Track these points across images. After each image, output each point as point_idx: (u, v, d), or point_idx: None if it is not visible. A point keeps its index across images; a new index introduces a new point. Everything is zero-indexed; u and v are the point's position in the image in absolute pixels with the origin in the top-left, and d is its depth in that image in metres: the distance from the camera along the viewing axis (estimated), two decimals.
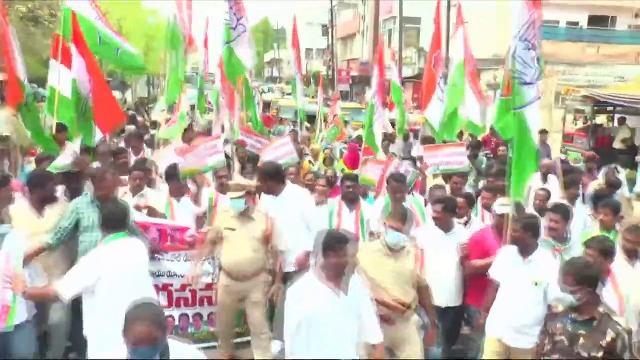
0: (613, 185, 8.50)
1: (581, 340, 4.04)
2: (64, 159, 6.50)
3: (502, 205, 6.22)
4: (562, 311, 4.27)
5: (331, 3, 42.21)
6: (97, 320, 4.74)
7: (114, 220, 4.94)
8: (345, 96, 37.04)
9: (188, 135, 10.83)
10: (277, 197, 6.43)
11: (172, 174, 7.18)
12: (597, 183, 9.00)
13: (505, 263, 5.32)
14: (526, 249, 5.17)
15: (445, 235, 6.06)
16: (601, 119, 18.20)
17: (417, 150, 12.10)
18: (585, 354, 4.01)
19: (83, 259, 4.95)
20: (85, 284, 4.67)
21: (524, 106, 5.76)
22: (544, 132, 10.03)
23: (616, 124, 16.88)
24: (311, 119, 16.34)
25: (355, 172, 8.78)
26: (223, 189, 7.28)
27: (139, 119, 18.38)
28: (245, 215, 5.93)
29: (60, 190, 6.25)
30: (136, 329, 3.01)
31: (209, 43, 15.37)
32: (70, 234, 5.57)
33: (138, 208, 6.49)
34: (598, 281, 4.18)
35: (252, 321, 6.07)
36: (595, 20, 29.13)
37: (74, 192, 6.24)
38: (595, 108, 16.00)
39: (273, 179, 6.43)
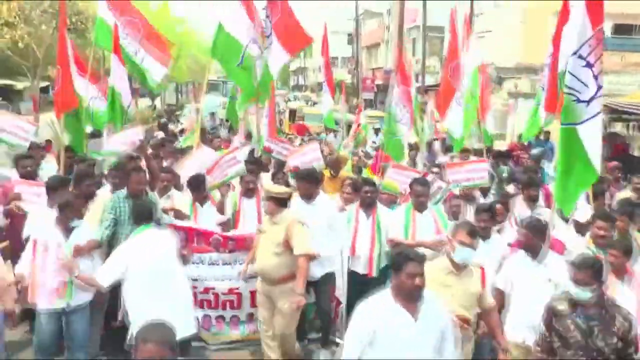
0: None
1: (596, 332, 4.14)
2: (116, 145, 7.03)
3: (538, 215, 6.26)
4: (563, 309, 4.28)
5: (356, 12, 42.43)
6: (132, 304, 5.32)
7: (142, 214, 5.56)
8: (369, 104, 37.16)
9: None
10: (309, 203, 6.46)
11: (195, 185, 7.24)
12: (624, 193, 8.84)
13: (514, 269, 5.32)
14: (534, 251, 5.22)
15: (483, 244, 5.74)
16: (618, 127, 18.08)
17: (442, 158, 12.24)
18: (602, 344, 4.12)
19: (114, 250, 5.50)
20: (117, 273, 5.24)
21: (576, 123, 5.59)
22: None
23: (631, 131, 16.81)
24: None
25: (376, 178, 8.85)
26: (249, 193, 7.47)
27: (171, 126, 18.70)
28: (272, 220, 6.01)
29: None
30: (146, 349, 2.96)
31: None
32: (115, 227, 5.99)
33: (165, 211, 6.63)
34: (602, 274, 4.37)
35: (276, 327, 6.08)
36: (620, 29, 28.87)
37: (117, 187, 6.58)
38: (612, 116, 15.91)
39: (309, 182, 6.51)
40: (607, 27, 29.01)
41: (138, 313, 5.17)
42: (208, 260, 6.62)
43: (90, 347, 5.90)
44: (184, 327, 5.31)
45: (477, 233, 4.75)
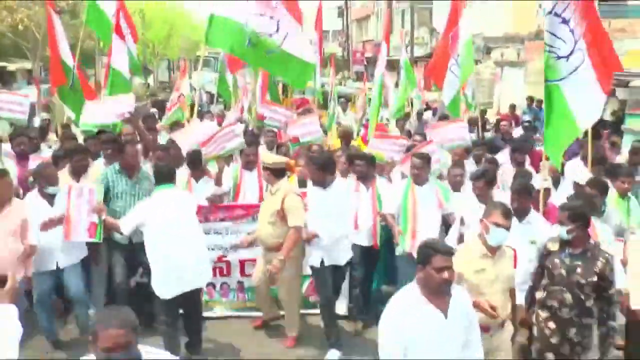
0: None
1: (578, 270, 4.51)
2: (107, 117, 7.15)
3: (544, 180, 6.36)
4: (556, 249, 4.63)
5: None
6: (153, 252, 5.64)
7: (162, 174, 5.85)
8: (359, 77, 37.15)
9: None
10: (324, 189, 6.05)
11: (193, 160, 7.30)
12: (621, 158, 8.92)
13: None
14: (521, 212, 5.27)
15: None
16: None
17: None
18: (582, 281, 4.48)
19: (138, 203, 5.94)
20: (136, 221, 5.66)
21: (558, 80, 5.75)
22: None
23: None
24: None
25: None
26: (249, 165, 7.50)
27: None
28: (270, 191, 6.13)
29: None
30: (109, 333, 2.78)
31: None
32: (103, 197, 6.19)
33: None
34: (589, 219, 4.63)
35: (281, 296, 6.36)
36: None
37: (110, 159, 6.72)
38: None
39: (323, 169, 6.02)
40: None
41: (158, 260, 5.60)
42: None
43: (92, 303, 6.34)
44: (201, 275, 5.88)
45: (511, 213, 4.53)
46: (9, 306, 3.20)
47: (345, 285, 6.78)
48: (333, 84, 14.71)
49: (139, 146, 6.89)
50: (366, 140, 11.05)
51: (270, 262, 5.95)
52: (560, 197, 6.39)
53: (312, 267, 6.23)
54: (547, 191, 6.43)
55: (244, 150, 7.72)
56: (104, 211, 5.97)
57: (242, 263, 6.93)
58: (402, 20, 32.88)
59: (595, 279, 4.48)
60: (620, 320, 5.02)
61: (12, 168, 6.97)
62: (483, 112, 11.98)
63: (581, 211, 4.62)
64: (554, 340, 4.57)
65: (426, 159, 6.54)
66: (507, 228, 4.35)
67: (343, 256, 6.20)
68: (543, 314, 4.65)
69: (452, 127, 8.74)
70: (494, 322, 4.32)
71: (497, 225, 4.32)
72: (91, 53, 28.07)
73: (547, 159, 6.76)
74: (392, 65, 16.88)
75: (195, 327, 6.11)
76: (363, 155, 7.25)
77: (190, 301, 5.92)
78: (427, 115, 15.00)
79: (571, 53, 5.64)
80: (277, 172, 6.05)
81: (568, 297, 4.52)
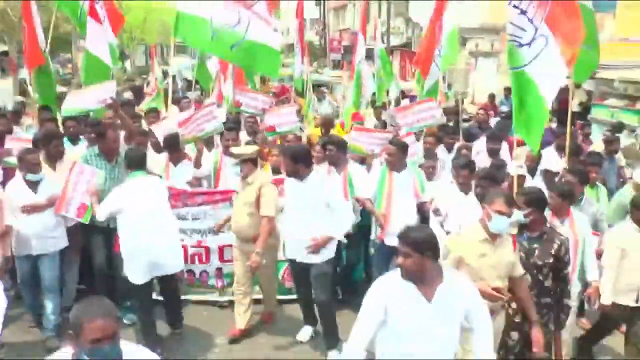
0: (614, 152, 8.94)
1: (536, 252, 4.76)
2: (88, 103, 7.19)
3: (518, 167, 6.33)
4: (514, 233, 4.77)
5: None
6: (126, 239, 5.75)
7: (135, 160, 5.88)
8: (336, 65, 37.16)
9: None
10: (301, 181, 5.83)
11: (171, 143, 7.31)
12: (595, 147, 9.23)
13: (468, 216, 5.44)
14: (467, 186, 5.67)
15: (465, 197, 6.05)
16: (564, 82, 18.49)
17: None
18: (540, 262, 4.73)
19: (113, 190, 5.90)
20: (112, 209, 5.72)
21: (521, 66, 5.81)
22: None
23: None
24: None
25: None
26: (228, 150, 7.26)
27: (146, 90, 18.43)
28: (244, 180, 6.05)
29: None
30: (97, 324, 2.72)
31: None
32: None
33: None
34: (545, 204, 4.97)
35: (263, 282, 6.46)
36: None
37: (93, 143, 6.82)
38: None
39: (300, 162, 5.79)
40: None
41: (131, 246, 5.71)
42: (176, 215, 6.60)
43: (63, 296, 6.34)
44: (174, 261, 5.97)
45: (513, 201, 4.60)
46: None
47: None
48: (308, 73, 14.64)
49: (122, 132, 6.86)
50: (343, 126, 11.15)
51: (245, 253, 5.98)
52: (535, 185, 6.50)
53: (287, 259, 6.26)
54: (521, 178, 6.53)
55: (224, 135, 7.67)
56: (97, 197, 6.01)
57: (220, 249, 6.96)
58: (379, 10, 32.93)
59: (551, 260, 4.73)
60: (574, 300, 5.41)
61: None
62: (458, 102, 12.08)
63: (537, 196, 4.88)
64: (517, 319, 4.72)
65: (400, 145, 6.54)
66: (509, 215, 4.40)
67: (315, 257, 5.84)
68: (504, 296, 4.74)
69: (419, 107, 8.68)
70: (497, 305, 4.41)
71: (500, 213, 4.34)
72: (67, 37, 27.64)
73: (519, 145, 6.90)
74: (368, 54, 16.96)
75: (174, 308, 6.29)
76: (334, 140, 7.19)
77: (167, 286, 6.11)
78: (405, 104, 14.97)
79: (533, 40, 5.73)
80: (250, 162, 6.02)
81: (527, 278, 4.71)
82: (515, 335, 4.74)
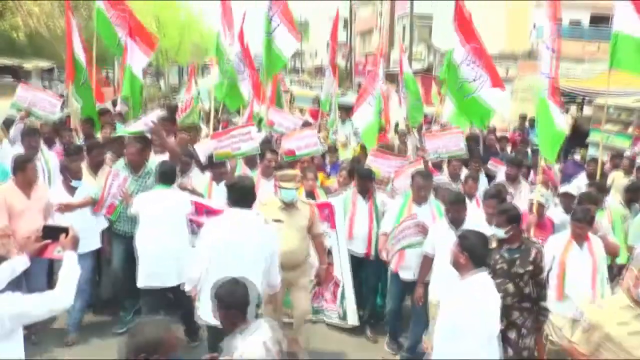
0: None
1: (517, 262, 5.06)
2: (140, 126, 7.37)
3: (542, 196, 6.56)
4: (495, 247, 5.14)
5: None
6: (141, 246, 5.93)
7: (165, 173, 6.08)
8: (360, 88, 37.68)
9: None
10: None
11: (211, 161, 7.40)
12: (618, 173, 9.30)
13: (437, 236, 5.68)
14: (458, 221, 5.59)
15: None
16: (572, 109, 18.93)
17: None
18: (521, 271, 5.03)
19: (138, 195, 6.25)
20: (133, 213, 6.05)
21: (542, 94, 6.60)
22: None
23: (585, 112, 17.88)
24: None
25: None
26: (268, 171, 7.26)
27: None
28: (291, 205, 5.72)
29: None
30: (172, 340, 2.98)
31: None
32: None
33: (183, 187, 6.78)
34: (520, 219, 5.30)
35: (298, 305, 5.97)
36: (597, 20, 29.41)
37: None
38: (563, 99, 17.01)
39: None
40: (585, 17, 29.62)
41: (139, 252, 5.92)
42: None
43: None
44: (177, 276, 5.85)
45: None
46: (71, 253, 3.68)
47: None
48: (334, 95, 14.75)
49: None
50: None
51: (287, 280, 5.66)
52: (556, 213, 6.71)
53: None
54: (541, 207, 6.57)
55: (265, 155, 7.53)
56: (129, 199, 6.28)
57: None
58: (403, 35, 33.53)
59: (531, 267, 5.05)
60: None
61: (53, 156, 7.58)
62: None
63: (515, 213, 5.20)
64: (501, 325, 4.63)
65: (430, 177, 6.48)
66: None
67: None
68: None
69: (448, 136, 8.63)
70: None
71: None
72: (109, 53, 28.67)
73: (542, 172, 7.15)
74: (392, 78, 17.21)
75: (187, 321, 6.00)
76: (367, 172, 7.06)
77: (177, 298, 5.96)
78: (435, 129, 14.85)
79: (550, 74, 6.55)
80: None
81: (510, 286, 5.01)
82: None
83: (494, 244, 5.12)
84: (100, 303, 6.95)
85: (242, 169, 7.68)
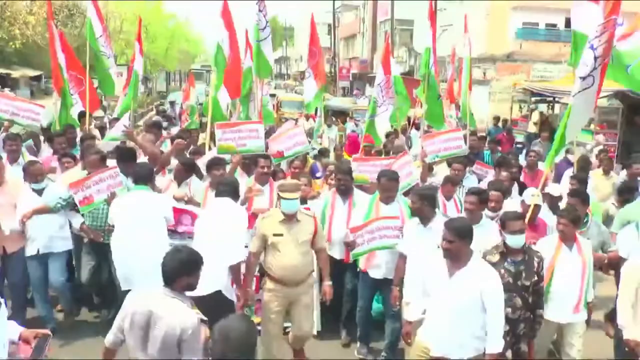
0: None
1: (523, 274, 4.78)
2: (115, 131, 7.54)
3: (532, 196, 6.21)
4: (497, 260, 4.78)
5: (333, 5, 43.07)
6: (116, 250, 5.71)
7: (140, 174, 5.82)
8: (345, 92, 38.02)
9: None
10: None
11: (210, 166, 6.86)
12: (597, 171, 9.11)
13: (409, 235, 5.43)
14: (426, 218, 5.30)
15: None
16: (542, 107, 19.43)
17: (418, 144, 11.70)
18: (527, 283, 4.79)
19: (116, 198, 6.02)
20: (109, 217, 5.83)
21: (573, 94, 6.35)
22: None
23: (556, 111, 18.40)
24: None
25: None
26: (263, 178, 6.73)
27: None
28: (292, 218, 5.30)
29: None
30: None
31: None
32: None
33: (178, 199, 6.52)
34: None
35: (300, 324, 5.53)
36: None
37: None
38: (534, 98, 17.78)
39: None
40: (560, 20, 30.14)
41: (115, 254, 5.71)
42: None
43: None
44: (148, 279, 5.40)
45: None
46: None
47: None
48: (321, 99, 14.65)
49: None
50: (349, 152, 11.33)
51: (294, 296, 5.43)
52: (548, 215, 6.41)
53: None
54: (537, 207, 6.28)
55: (259, 162, 6.86)
56: (111, 198, 6.06)
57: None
58: (386, 40, 33.93)
59: (535, 278, 4.81)
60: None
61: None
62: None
63: (524, 218, 5.12)
64: (508, 339, 4.67)
65: (395, 179, 6.11)
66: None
67: None
68: None
69: (446, 136, 8.34)
70: None
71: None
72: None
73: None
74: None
75: None
76: (346, 169, 6.85)
77: None
78: (413, 133, 14.65)
79: (587, 75, 6.17)
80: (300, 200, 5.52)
81: (518, 301, 4.76)
82: (509, 354, 4.87)
83: (496, 258, 4.84)
84: (92, 301, 6.97)
85: (239, 175, 7.23)
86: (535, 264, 4.85)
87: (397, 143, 11.00)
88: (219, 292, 5.16)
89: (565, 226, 5.12)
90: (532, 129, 16.82)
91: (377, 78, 9.96)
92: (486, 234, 5.24)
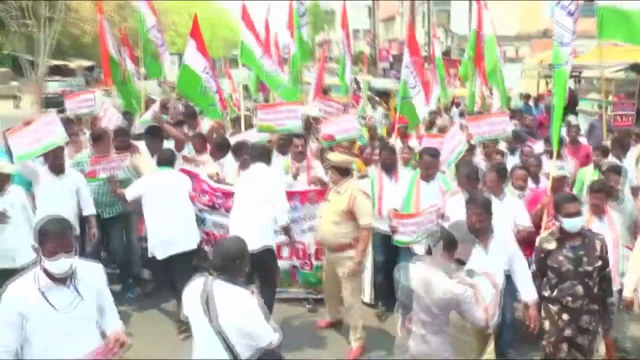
0: None
1: (584, 259, 4.41)
2: (146, 115, 7.95)
3: (560, 169, 6.21)
4: (553, 247, 4.52)
5: None
6: (149, 217, 6.21)
7: (164, 157, 6.45)
8: (385, 73, 38.26)
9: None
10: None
11: (237, 150, 7.05)
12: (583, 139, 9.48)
13: (452, 210, 5.30)
14: (501, 192, 5.46)
15: (498, 202, 5.29)
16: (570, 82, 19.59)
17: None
18: (589, 268, 4.40)
19: (141, 177, 6.53)
20: (137, 193, 6.25)
21: (561, 65, 6.02)
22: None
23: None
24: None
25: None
26: (298, 157, 7.02)
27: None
28: (336, 190, 5.74)
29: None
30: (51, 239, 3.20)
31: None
32: None
33: (210, 175, 6.97)
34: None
35: (343, 295, 5.88)
36: None
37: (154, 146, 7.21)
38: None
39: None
40: None
41: (151, 226, 6.17)
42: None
43: None
44: (188, 241, 6.22)
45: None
46: None
47: (369, 273, 6.64)
48: (363, 81, 14.87)
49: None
50: (392, 131, 11.32)
51: (333, 263, 5.82)
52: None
53: None
54: (561, 179, 6.24)
55: (294, 141, 7.12)
56: (115, 184, 6.55)
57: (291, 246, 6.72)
58: (423, 21, 33.97)
59: (600, 263, 4.44)
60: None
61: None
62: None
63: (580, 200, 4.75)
64: (568, 331, 4.48)
65: (436, 156, 6.26)
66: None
67: None
68: (554, 308, 4.52)
69: (492, 119, 8.14)
70: None
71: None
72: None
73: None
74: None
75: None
76: (392, 147, 7.16)
77: (180, 266, 6.10)
78: (453, 111, 15.26)
79: (569, 43, 5.97)
80: (343, 171, 5.76)
81: (579, 289, 4.41)
82: (564, 346, 4.52)
83: (553, 244, 4.54)
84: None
85: (274, 155, 7.15)
86: (598, 247, 4.47)
87: (441, 123, 11.36)
88: (268, 249, 5.71)
89: (599, 199, 5.16)
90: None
91: (404, 60, 9.78)
92: (508, 210, 5.37)
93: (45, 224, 3.22)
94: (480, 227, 4.37)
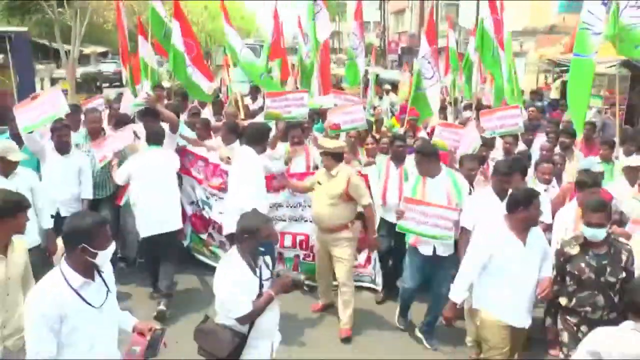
0: None
1: (607, 269, 4.16)
2: (139, 98, 7.87)
3: (597, 164, 6.25)
4: (577, 253, 4.29)
5: None
6: (136, 198, 6.31)
7: (153, 135, 6.47)
8: (393, 65, 38.45)
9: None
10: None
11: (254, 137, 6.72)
12: None
13: (475, 208, 5.28)
14: (504, 193, 5.07)
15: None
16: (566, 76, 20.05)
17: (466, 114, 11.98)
18: (613, 279, 4.14)
19: (129, 158, 6.61)
20: (127, 174, 6.32)
21: (589, 55, 5.93)
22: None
23: None
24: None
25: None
26: (296, 147, 7.27)
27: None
28: (329, 173, 5.88)
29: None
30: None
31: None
32: None
33: (221, 158, 7.09)
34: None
35: (337, 274, 6.05)
36: None
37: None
38: (559, 69, 18.41)
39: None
40: None
41: (139, 204, 6.29)
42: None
43: None
44: (173, 222, 6.42)
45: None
46: None
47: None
48: (371, 72, 14.50)
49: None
50: (399, 120, 11.33)
51: (327, 243, 5.97)
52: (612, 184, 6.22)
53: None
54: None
55: (290, 132, 7.32)
56: (113, 167, 6.64)
57: (293, 236, 6.99)
58: (436, 14, 34.13)
59: (623, 274, 4.17)
60: None
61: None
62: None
63: (610, 209, 4.38)
64: (580, 334, 4.19)
65: (476, 161, 6.38)
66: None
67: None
68: (573, 320, 4.31)
69: (503, 113, 8.09)
70: None
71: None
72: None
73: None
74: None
75: (165, 269, 6.39)
76: (404, 137, 7.48)
77: (164, 244, 6.33)
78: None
79: (601, 31, 5.89)
80: (337, 157, 5.89)
81: (600, 299, 4.17)
82: None
83: (576, 250, 4.30)
84: None
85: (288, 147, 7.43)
86: (624, 258, 4.21)
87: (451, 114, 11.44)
88: None
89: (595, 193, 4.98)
90: (554, 95, 17.62)
91: (420, 50, 9.63)
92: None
93: (89, 219, 3.13)
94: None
